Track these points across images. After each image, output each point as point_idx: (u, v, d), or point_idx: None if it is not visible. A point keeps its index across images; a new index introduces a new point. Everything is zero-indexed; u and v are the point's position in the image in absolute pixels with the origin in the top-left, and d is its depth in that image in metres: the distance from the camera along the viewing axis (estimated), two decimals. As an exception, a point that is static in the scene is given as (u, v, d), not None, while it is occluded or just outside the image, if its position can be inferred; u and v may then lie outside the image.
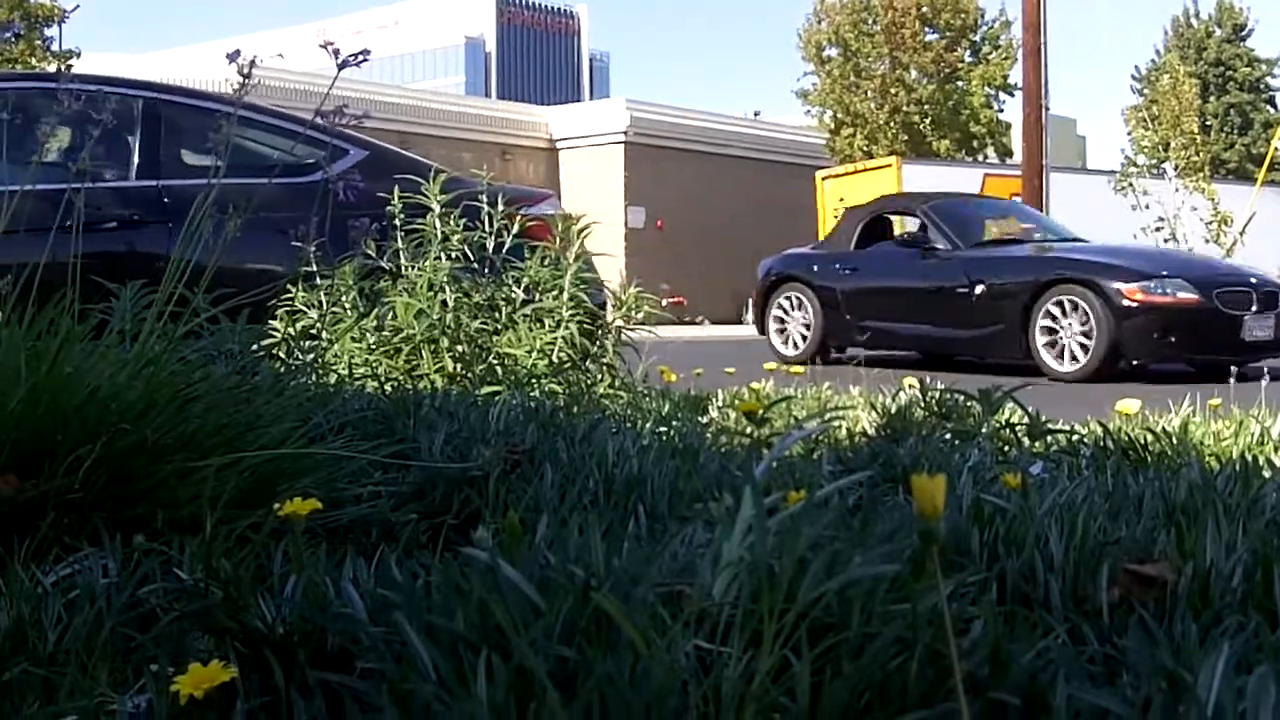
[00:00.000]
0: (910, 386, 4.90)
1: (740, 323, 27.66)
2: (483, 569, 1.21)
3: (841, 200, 31.50)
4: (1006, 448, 3.23)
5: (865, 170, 31.51)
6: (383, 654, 1.20)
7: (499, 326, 4.87)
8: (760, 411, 2.64)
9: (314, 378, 3.36)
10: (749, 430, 2.65)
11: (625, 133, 37.09)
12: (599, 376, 4.91)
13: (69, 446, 2.02)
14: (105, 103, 3.44)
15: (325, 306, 4.74)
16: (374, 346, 4.62)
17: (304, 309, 4.74)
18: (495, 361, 4.63)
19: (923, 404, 4.23)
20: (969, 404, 4.14)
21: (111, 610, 1.71)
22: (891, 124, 38.03)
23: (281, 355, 3.79)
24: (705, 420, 4.39)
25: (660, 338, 5.60)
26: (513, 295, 5.00)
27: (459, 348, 4.69)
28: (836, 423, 3.98)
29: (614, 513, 2.29)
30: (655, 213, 36.59)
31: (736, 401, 4.80)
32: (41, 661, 1.65)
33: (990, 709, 1.04)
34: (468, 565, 1.28)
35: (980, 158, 39.68)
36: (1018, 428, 3.21)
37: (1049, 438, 3.12)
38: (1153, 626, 1.27)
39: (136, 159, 5.91)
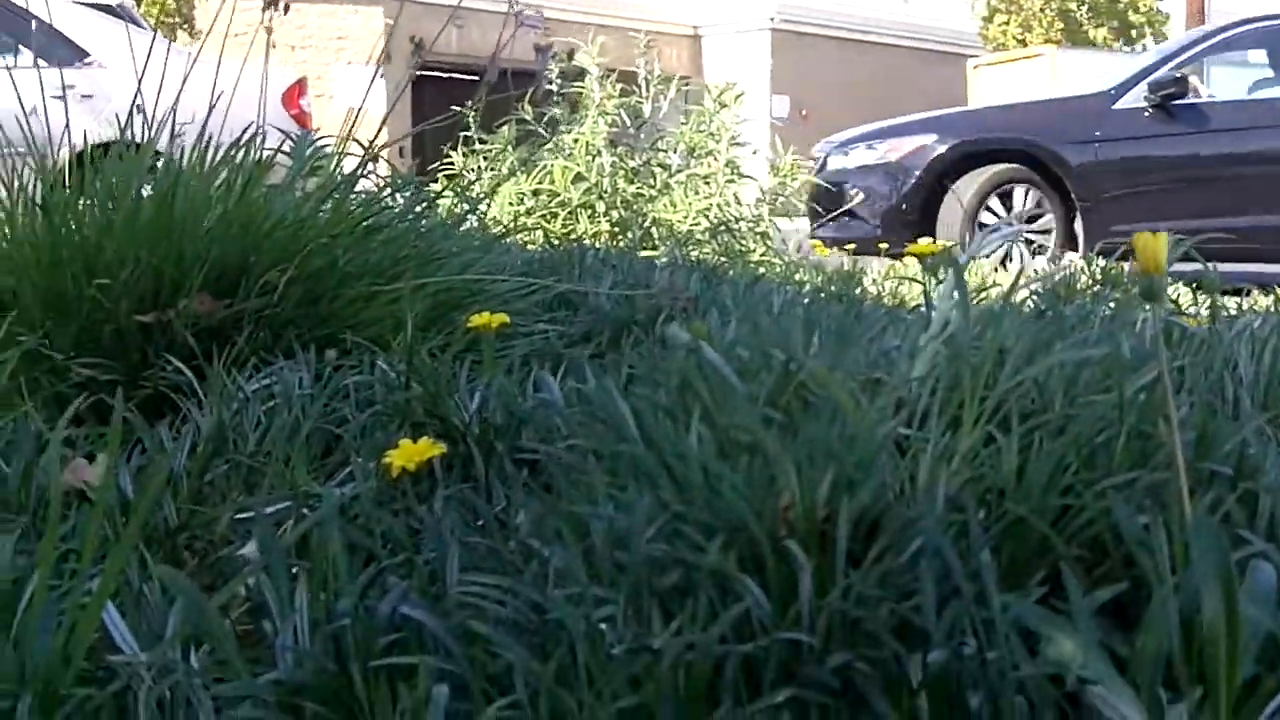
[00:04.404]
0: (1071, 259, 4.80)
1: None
2: (682, 353, 1.23)
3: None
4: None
5: (1018, 59, 30.56)
6: (583, 432, 1.24)
7: (654, 193, 4.88)
8: (929, 257, 2.61)
9: (479, 227, 3.42)
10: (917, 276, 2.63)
11: (771, 19, 36.38)
12: (752, 245, 4.90)
13: (261, 269, 2.10)
14: None
15: (482, 169, 4.80)
16: (531, 210, 4.67)
17: (463, 173, 4.80)
18: (650, 226, 4.65)
19: (1087, 272, 4.14)
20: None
21: (308, 416, 1.77)
22: (1047, 11, 36.73)
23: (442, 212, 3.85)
24: (859, 291, 4.36)
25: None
26: (667, 161, 5.00)
27: (615, 213, 4.71)
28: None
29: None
30: (801, 103, 35.83)
31: (891, 272, 4.75)
32: (243, 461, 1.72)
33: (1198, 483, 1.04)
34: (664, 353, 1.30)
35: (1139, 48, 38.22)
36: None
37: (1222, 298, 3.03)
38: (1359, 426, 1.25)
39: None
